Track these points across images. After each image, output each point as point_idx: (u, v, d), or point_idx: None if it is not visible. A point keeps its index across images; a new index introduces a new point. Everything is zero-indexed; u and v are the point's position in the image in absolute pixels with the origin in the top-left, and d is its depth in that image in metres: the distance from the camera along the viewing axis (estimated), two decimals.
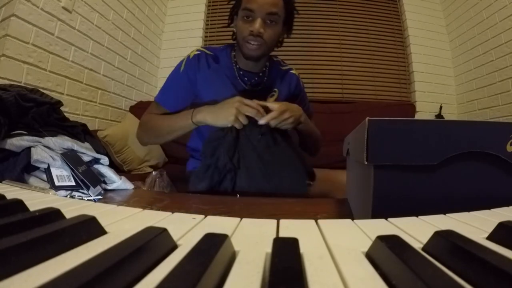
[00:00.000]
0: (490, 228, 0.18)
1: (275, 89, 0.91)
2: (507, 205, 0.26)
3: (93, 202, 0.28)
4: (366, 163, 0.30)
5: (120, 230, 0.19)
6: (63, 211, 0.20)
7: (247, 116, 0.71)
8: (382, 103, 2.02)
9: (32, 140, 0.57)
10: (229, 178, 0.73)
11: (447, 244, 0.15)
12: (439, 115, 2.04)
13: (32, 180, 0.55)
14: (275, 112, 0.71)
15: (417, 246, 0.16)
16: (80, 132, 0.71)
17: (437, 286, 0.11)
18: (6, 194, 0.25)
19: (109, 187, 0.62)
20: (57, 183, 0.53)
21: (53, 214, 0.19)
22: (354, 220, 0.22)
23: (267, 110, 0.72)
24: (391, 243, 0.15)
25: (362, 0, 2.22)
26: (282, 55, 2.07)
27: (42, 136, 0.59)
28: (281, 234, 0.19)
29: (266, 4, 0.76)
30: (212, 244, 0.14)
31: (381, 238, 0.16)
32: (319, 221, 0.21)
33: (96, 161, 0.64)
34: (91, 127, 0.96)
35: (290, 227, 0.21)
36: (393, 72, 2.16)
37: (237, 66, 0.87)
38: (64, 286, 0.10)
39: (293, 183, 0.72)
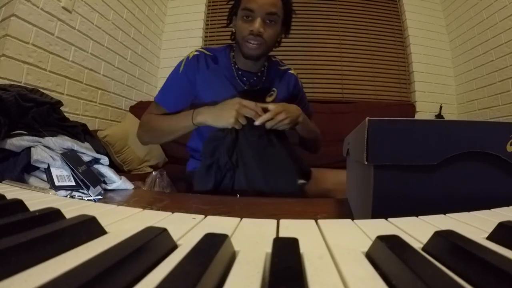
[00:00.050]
0: (490, 228, 0.18)
1: (274, 89, 0.91)
2: (507, 205, 0.26)
3: (93, 202, 0.28)
4: (366, 163, 0.30)
5: (120, 230, 0.19)
6: (63, 211, 0.20)
7: (246, 117, 0.72)
8: (382, 103, 2.02)
9: (32, 140, 0.57)
10: (228, 177, 0.74)
11: (447, 244, 0.15)
12: (439, 115, 2.04)
13: (32, 180, 0.55)
14: (269, 113, 0.72)
15: (417, 246, 0.16)
16: (80, 132, 0.71)
17: (437, 286, 0.11)
18: (6, 194, 0.25)
19: (109, 187, 0.62)
20: (57, 183, 0.53)
21: (53, 214, 0.19)
22: (354, 220, 0.22)
23: (266, 111, 0.73)
24: (391, 243, 0.15)
25: (362, 0, 2.22)
26: (283, 55, 2.08)
27: (42, 136, 0.59)
28: (281, 234, 0.19)
29: (265, 4, 0.77)
30: (212, 244, 0.14)
31: (381, 238, 0.16)
32: (319, 221, 0.21)
33: (96, 161, 0.64)
34: (91, 127, 0.96)
35: (290, 227, 0.21)
36: (393, 72, 2.16)
37: (236, 66, 0.88)
38: (64, 286, 0.10)
39: (285, 182, 0.74)
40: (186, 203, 0.58)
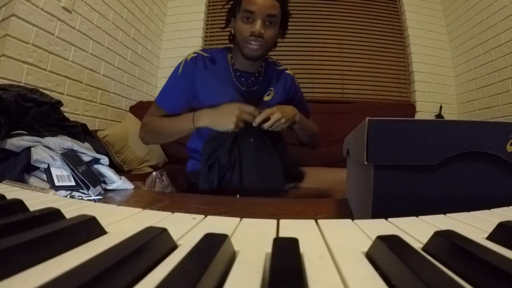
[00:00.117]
0: (490, 228, 0.18)
1: (271, 88, 0.94)
2: (507, 205, 0.26)
3: (93, 202, 0.28)
4: (366, 163, 0.30)
5: (120, 230, 0.19)
6: (63, 211, 0.20)
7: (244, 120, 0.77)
8: (382, 103, 2.02)
9: (32, 140, 0.57)
10: (228, 175, 0.80)
11: (447, 244, 0.15)
12: (439, 115, 2.04)
13: (32, 180, 0.55)
14: (263, 113, 0.76)
15: (417, 246, 0.16)
16: (80, 132, 0.71)
17: (437, 286, 0.11)
18: (6, 194, 0.25)
19: (109, 187, 0.62)
20: (57, 183, 0.53)
21: (53, 214, 0.19)
22: (354, 220, 0.22)
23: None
24: (391, 243, 0.15)
25: (362, 0, 2.22)
26: (283, 55, 2.08)
27: (42, 136, 0.59)
28: (281, 234, 0.19)
29: (265, 7, 0.80)
30: (212, 244, 0.14)
31: (381, 238, 0.16)
32: (319, 221, 0.21)
33: (96, 161, 0.64)
34: (91, 127, 0.96)
35: (290, 227, 0.21)
36: (393, 72, 2.16)
37: (234, 67, 0.90)
38: (64, 286, 0.10)
39: (271, 183, 0.81)
40: (186, 203, 0.58)
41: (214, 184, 0.78)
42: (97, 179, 0.58)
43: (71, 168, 0.56)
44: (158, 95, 0.90)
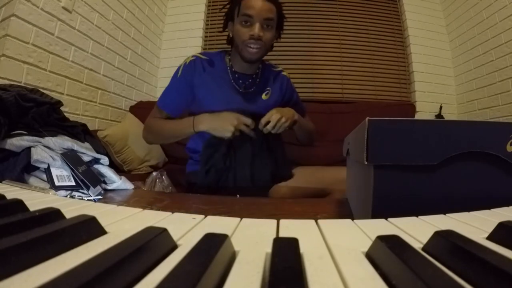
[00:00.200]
0: (490, 228, 0.18)
1: (268, 88, 0.97)
2: (507, 205, 0.26)
3: (93, 202, 0.28)
4: (366, 163, 0.30)
5: (120, 230, 0.19)
6: (63, 211, 0.20)
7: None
8: (382, 103, 2.02)
9: (32, 140, 0.57)
10: (224, 178, 0.86)
11: (447, 244, 0.15)
12: (439, 115, 2.04)
13: (32, 180, 0.55)
14: (265, 116, 0.81)
15: (417, 246, 0.16)
16: (80, 132, 0.71)
17: (437, 286, 0.11)
18: (6, 194, 0.25)
19: (109, 187, 0.62)
20: (57, 183, 0.53)
21: (53, 214, 0.19)
22: (354, 220, 0.22)
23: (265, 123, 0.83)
24: (391, 243, 0.15)
25: (362, 0, 2.22)
26: (283, 55, 2.08)
27: (42, 136, 0.59)
28: (281, 234, 0.19)
29: (263, 11, 0.83)
30: (212, 244, 0.14)
31: (381, 238, 0.16)
32: (319, 221, 0.21)
33: (96, 161, 0.64)
34: (91, 127, 0.96)
35: (290, 227, 0.21)
36: (393, 72, 2.16)
37: (232, 69, 0.93)
38: (64, 286, 0.10)
39: (261, 180, 0.86)
40: (186, 203, 0.58)
41: (212, 186, 0.84)
42: (97, 179, 0.58)
43: (71, 168, 0.56)
44: (159, 98, 0.95)
